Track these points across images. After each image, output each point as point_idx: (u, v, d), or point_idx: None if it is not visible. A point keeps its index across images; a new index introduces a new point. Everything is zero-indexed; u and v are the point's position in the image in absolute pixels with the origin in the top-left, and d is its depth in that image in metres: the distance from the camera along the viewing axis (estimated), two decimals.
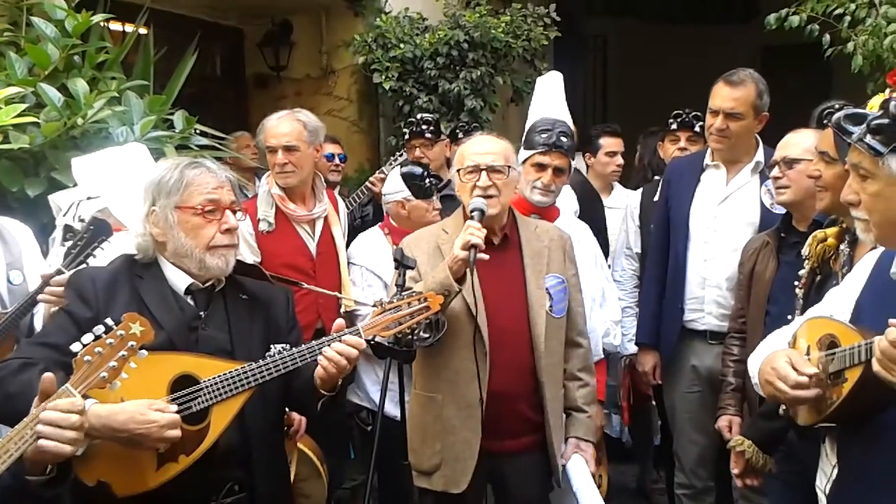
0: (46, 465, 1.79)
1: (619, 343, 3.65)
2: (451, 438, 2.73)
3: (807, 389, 1.86)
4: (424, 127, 4.55)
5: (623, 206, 4.62)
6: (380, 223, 3.90)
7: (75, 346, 1.80)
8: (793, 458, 2.64)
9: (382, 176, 4.46)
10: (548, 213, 3.30)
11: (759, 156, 3.48)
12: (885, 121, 1.74)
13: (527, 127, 3.35)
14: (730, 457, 2.77)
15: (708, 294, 3.50)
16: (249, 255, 3.55)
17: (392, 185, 3.76)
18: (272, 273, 3.26)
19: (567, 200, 5.00)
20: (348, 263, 3.80)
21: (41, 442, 1.71)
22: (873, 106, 2.10)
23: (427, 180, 3.69)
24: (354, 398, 3.78)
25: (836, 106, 3.01)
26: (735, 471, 2.75)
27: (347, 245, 3.89)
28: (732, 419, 3.13)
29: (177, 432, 1.98)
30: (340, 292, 3.64)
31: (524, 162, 3.24)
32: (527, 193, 3.24)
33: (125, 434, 1.94)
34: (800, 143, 2.92)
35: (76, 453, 1.91)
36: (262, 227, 3.63)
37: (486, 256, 2.58)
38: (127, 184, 2.61)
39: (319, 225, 3.76)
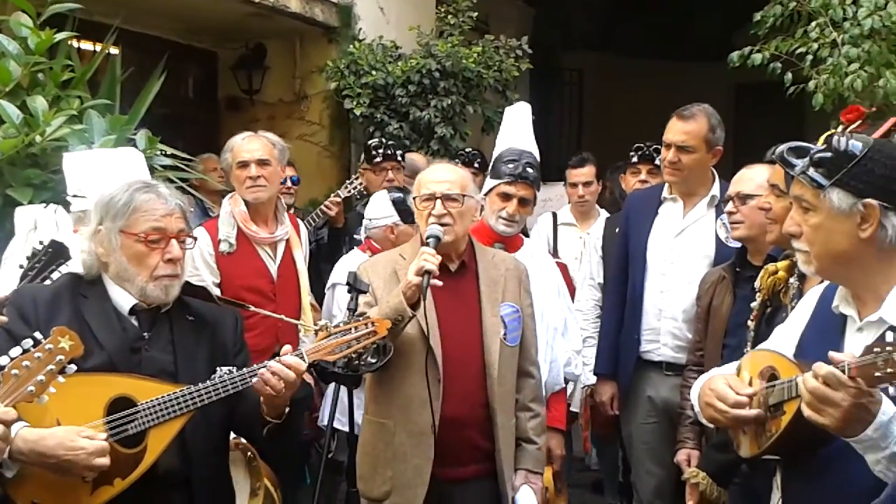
0: None
1: (580, 372, 3.64)
2: (402, 466, 2.69)
3: (746, 409, 1.86)
4: (399, 151, 4.57)
5: None
6: (359, 245, 3.91)
7: (2, 360, 1.77)
8: (749, 490, 2.63)
9: (338, 199, 4.44)
10: (511, 242, 3.30)
11: (716, 189, 3.54)
12: (828, 154, 1.76)
13: (493, 156, 3.36)
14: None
15: (664, 325, 3.52)
16: (209, 276, 3.53)
17: (380, 210, 3.76)
18: (231, 295, 3.27)
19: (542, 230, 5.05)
20: (333, 285, 3.80)
21: None
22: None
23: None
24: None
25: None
26: (690, 503, 2.75)
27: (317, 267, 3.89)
28: (691, 452, 3.13)
29: (105, 460, 1.94)
30: (300, 317, 3.61)
31: (490, 191, 3.25)
32: (491, 222, 3.24)
33: (53, 460, 1.91)
34: (753, 178, 2.95)
35: (7, 473, 1.88)
36: (223, 247, 3.61)
37: (440, 283, 2.57)
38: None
39: (281, 248, 3.75)
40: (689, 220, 3.55)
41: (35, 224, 2.84)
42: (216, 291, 3.43)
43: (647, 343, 3.56)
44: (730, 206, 2.98)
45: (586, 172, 4.95)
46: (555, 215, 5.13)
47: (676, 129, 3.46)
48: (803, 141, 1.96)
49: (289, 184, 4.87)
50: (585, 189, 4.94)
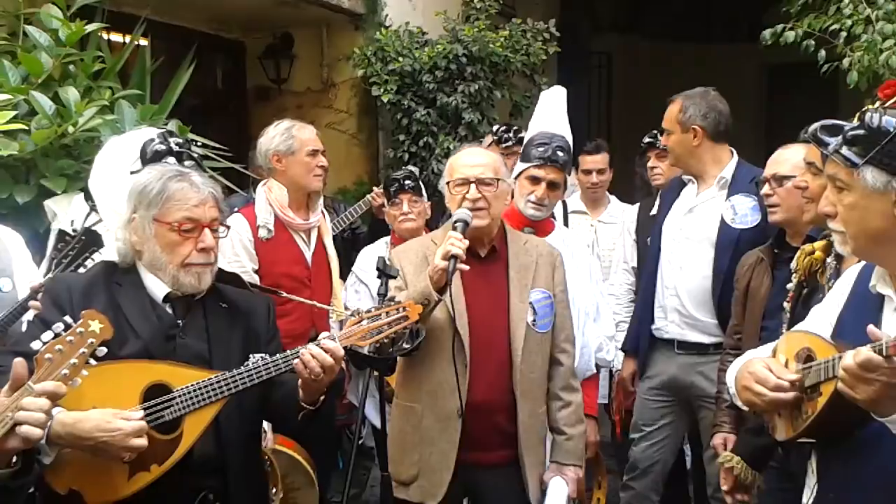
0: (11, 456, 1.78)
1: (612, 358, 3.63)
2: (429, 449, 2.71)
3: (785, 392, 1.84)
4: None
5: (618, 220, 4.63)
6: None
7: (35, 345, 1.78)
8: (786, 474, 2.61)
9: (381, 191, 4.48)
10: (542, 226, 3.28)
11: (727, 171, 3.55)
12: (861, 132, 1.72)
13: (525, 140, 3.35)
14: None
15: (669, 303, 3.58)
16: (248, 263, 3.56)
17: None
18: (270, 282, 3.31)
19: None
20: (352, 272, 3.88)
21: (20, 419, 1.71)
22: None
23: (400, 183, 3.73)
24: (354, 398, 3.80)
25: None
26: (724, 487, 2.72)
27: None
28: (727, 436, 3.11)
29: (143, 441, 1.96)
30: (330, 302, 3.64)
31: (519, 175, 3.23)
32: (520, 206, 3.23)
33: (91, 442, 1.93)
34: (789, 159, 2.90)
35: (45, 460, 1.91)
36: (262, 233, 3.64)
37: (466, 267, 2.56)
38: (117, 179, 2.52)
39: (314, 234, 3.78)
40: (699, 200, 3.60)
41: (55, 214, 2.88)
42: (255, 278, 3.47)
43: (659, 320, 3.63)
44: (766, 189, 2.94)
45: (600, 160, 4.89)
46: (565, 203, 5.08)
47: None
48: (837, 120, 1.92)
49: None
50: (599, 176, 4.86)
